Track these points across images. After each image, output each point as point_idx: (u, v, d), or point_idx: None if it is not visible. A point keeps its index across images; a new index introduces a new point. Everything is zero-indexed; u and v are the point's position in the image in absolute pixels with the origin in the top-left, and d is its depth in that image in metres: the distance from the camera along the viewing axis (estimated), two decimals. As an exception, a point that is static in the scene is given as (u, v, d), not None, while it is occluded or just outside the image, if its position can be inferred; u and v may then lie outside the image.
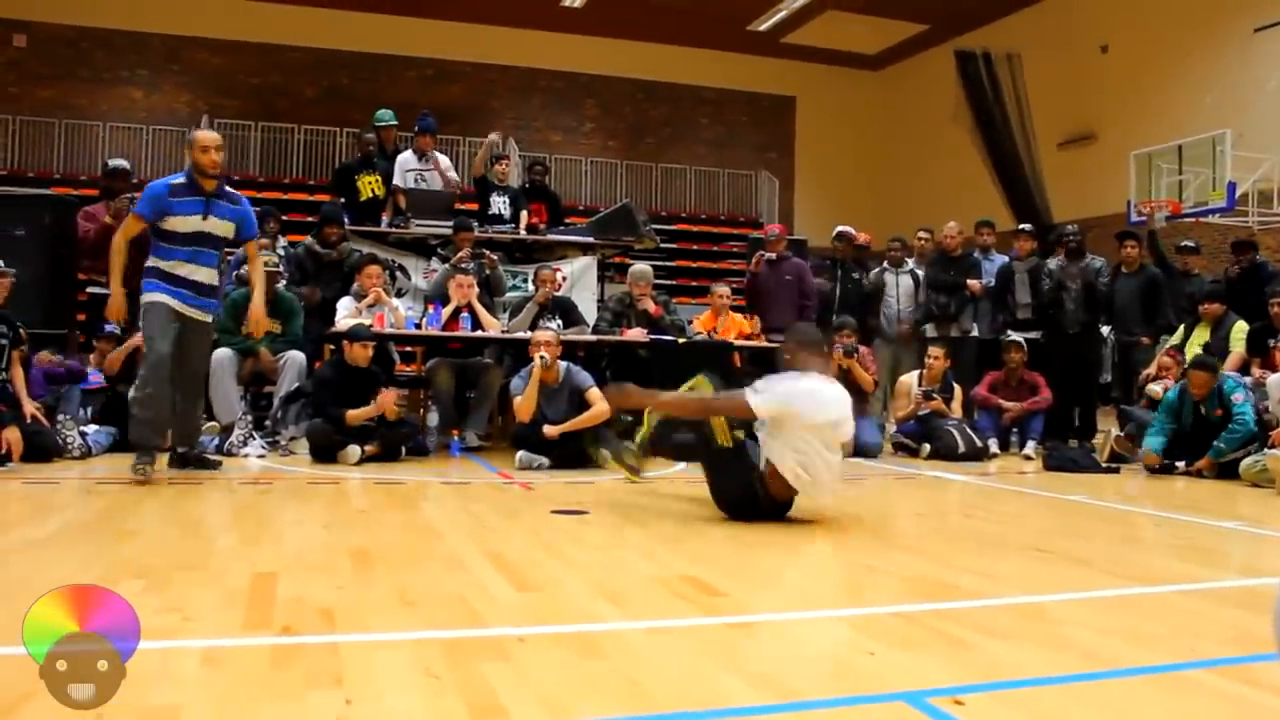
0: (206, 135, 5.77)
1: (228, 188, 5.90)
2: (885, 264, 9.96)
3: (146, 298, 5.65)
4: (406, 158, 9.74)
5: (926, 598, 3.17)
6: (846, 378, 7.95)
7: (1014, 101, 15.80)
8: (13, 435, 5.98)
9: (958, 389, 8.54)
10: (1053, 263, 9.28)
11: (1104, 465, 7.62)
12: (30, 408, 6.46)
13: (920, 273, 9.78)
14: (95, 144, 15.86)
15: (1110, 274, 9.29)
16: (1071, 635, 2.73)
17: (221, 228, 5.78)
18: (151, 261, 5.67)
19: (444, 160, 9.84)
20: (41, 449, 6.20)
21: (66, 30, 16.34)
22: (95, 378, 7.60)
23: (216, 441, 6.99)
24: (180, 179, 5.71)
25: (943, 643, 2.60)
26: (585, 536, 4.27)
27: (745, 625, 2.79)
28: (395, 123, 9.91)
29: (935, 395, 8.33)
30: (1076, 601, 3.20)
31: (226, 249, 6.35)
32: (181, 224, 5.62)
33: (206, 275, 5.81)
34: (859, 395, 8.05)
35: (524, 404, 6.76)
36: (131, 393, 5.75)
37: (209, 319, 5.97)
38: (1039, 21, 16.50)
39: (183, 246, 5.65)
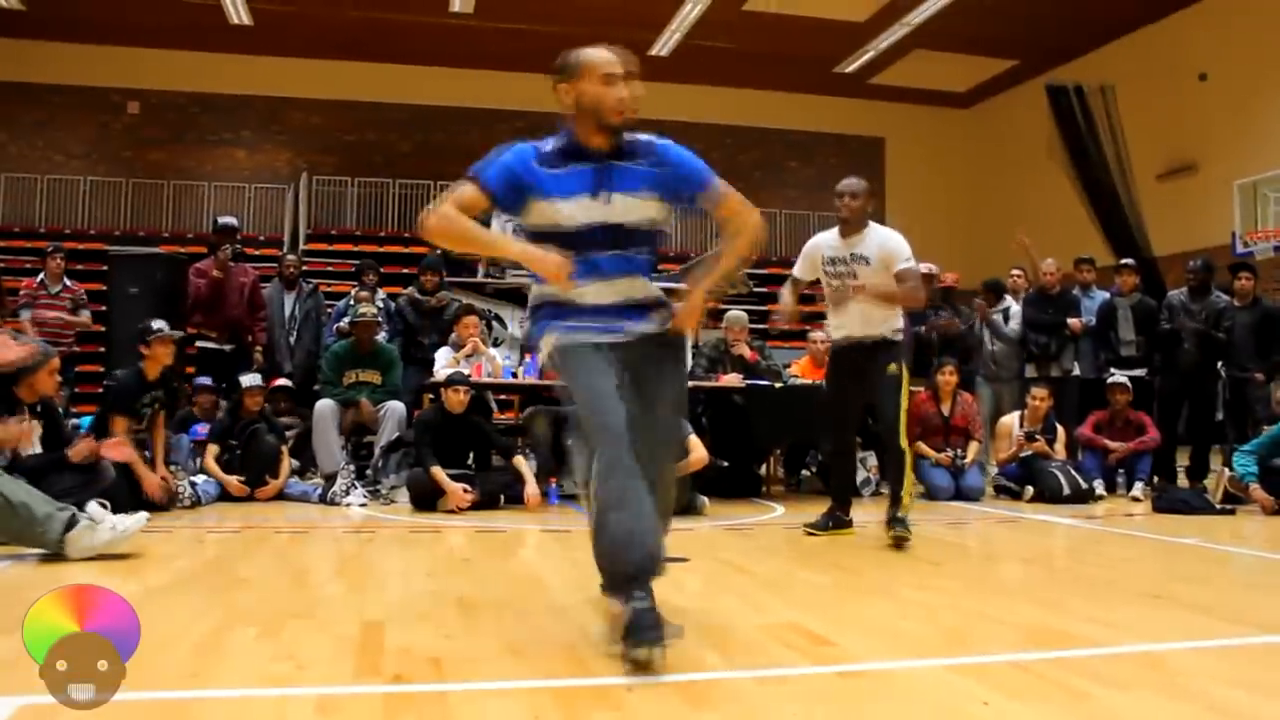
0: (603, 55, 3.17)
1: (638, 135, 3.32)
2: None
3: (545, 343, 3.27)
4: None
5: (1040, 645, 3.08)
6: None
7: (1109, 134, 15.56)
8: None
9: (1060, 430, 8.35)
10: (1175, 297, 9.02)
11: (1218, 507, 7.36)
12: (162, 470, 6.58)
13: (1012, 309, 9.61)
14: (201, 203, 16.48)
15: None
16: (1195, 686, 2.63)
17: (635, 207, 3.24)
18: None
19: None
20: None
21: (176, 96, 17.03)
22: (201, 429, 7.80)
23: (319, 491, 7.15)
24: (549, 144, 3.22)
25: (1060, 692, 2.53)
26: (687, 584, 4.25)
27: (856, 674, 2.75)
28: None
29: (1037, 436, 8.15)
30: (1198, 650, 3.08)
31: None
32: (557, 214, 3.16)
33: (626, 290, 3.27)
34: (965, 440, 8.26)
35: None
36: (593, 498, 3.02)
37: (653, 327, 3.32)
38: (1132, 52, 16.15)
39: (570, 253, 3.08)
